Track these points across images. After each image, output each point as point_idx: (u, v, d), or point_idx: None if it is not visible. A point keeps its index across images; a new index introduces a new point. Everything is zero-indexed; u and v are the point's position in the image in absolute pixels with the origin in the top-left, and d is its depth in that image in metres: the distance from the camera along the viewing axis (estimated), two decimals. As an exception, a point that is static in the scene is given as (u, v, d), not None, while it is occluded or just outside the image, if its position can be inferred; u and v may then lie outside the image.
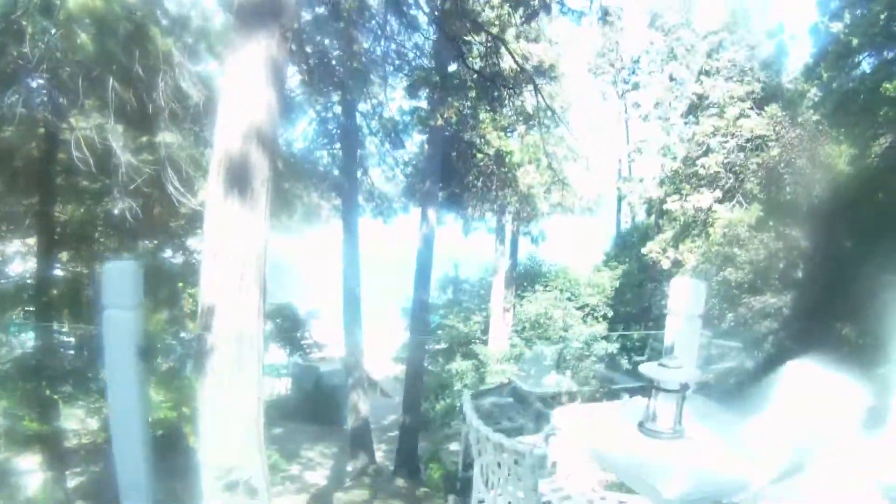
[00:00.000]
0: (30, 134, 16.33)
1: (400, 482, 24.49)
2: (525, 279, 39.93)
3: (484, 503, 5.67)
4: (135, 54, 12.93)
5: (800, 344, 23.10)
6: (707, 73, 33.34)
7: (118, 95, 13.24)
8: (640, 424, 6.12)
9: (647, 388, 6.12)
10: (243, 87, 8.68)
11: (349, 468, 25.60)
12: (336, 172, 27.10)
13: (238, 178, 8.41)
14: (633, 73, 43.02)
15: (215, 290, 8.51)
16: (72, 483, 19.97)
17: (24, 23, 11.95)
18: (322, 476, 25.96)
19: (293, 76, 23.38)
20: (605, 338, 35.87)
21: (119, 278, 6.05)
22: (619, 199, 45.90)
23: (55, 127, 15.25)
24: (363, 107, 25.93)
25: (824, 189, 24.27)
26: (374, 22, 21.96)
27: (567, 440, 9.57)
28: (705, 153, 29.44)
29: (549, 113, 25.66)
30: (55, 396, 17.82)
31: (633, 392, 34.04)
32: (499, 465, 5.45)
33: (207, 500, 8.46)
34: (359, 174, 27.40)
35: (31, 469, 17.68)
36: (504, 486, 5.21)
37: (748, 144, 28.27)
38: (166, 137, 14.47)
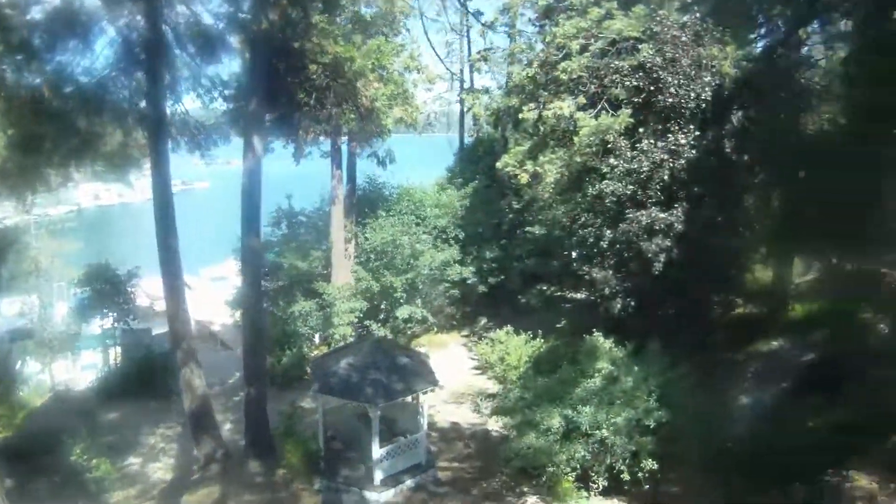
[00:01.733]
0: None
1: (254, 466, 20.87)
2: (366, 205, 36.97)
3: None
4: None
5: (696, 260, 21.14)
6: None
7: None
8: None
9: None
10: None
11: (195, 452, 21.79)
12: (141, 103, 22.03)
13: None
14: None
15: None
16: None
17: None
18: (166, 468, 22.43)
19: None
20: (459, 261, 33.64)
21: None
22: (462, 113, 42.51)
23: None
24: (170, 16, 21.05)
25: (711, 92, 22.16)
26: None
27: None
28: (565, 57, 26.23)
29: (389, 20, 21.93)
30: None
31: (490, 317, 32.04)
32: None
33: None
34: (169, 102, 22.64)
35: None
36: None
37: (612, 48, 25.43)
38: None
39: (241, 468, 20.85)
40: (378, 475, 19.49)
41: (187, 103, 24.47)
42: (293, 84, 24.61)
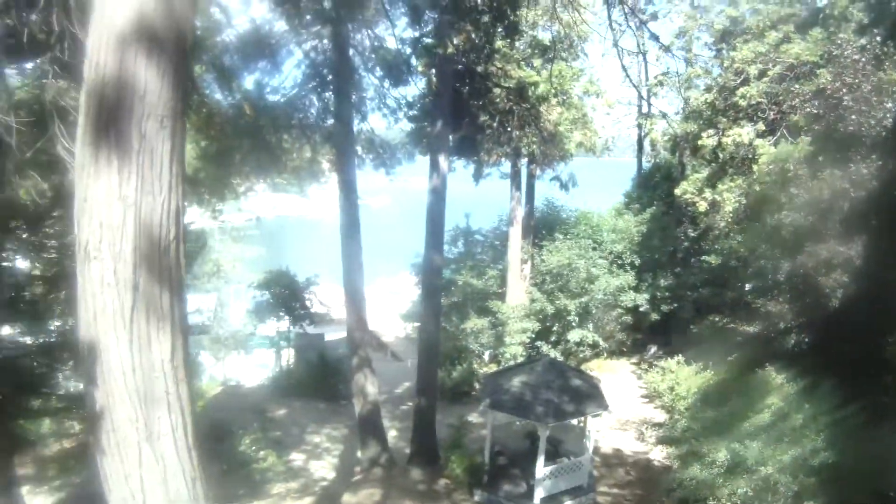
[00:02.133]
0: None
1: (416, 473, 21.55)
2: (543, 227, 37.06)
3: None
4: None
5: (877, 303, 20.08)
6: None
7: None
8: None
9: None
10: None
11: (359, 454, 22.58)
12: (330, 120, 23.32)
13: (109, 118, 4.75)
14: (650, 1, 38.95)
15: (95, 318, 5.00)
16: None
17: None
18: (329, 466, 23.09)
19: (275, 12, 20.43)
20: (634, 288, 33.35)
21: None
22: (640, 137, 42.20)
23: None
24: (358, 40, 22.29)
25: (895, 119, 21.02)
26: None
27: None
28: (744, 82, 25.90)
29: (568, 44, 22.27)
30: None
31: (661, 345, 31.65)
32: None
33: None
34: (356, 121, 23.70)
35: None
36: None
37: (789, 73, 24.87)
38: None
39: (403, 474, 21.42)
40: (539, 493, 19.41)
41: (373, 122, 25.73)
42: (476, 107, 25.44)
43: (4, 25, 9.26)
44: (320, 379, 29.76)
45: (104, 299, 4.76)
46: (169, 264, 4.98)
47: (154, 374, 4.95)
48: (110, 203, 4.68)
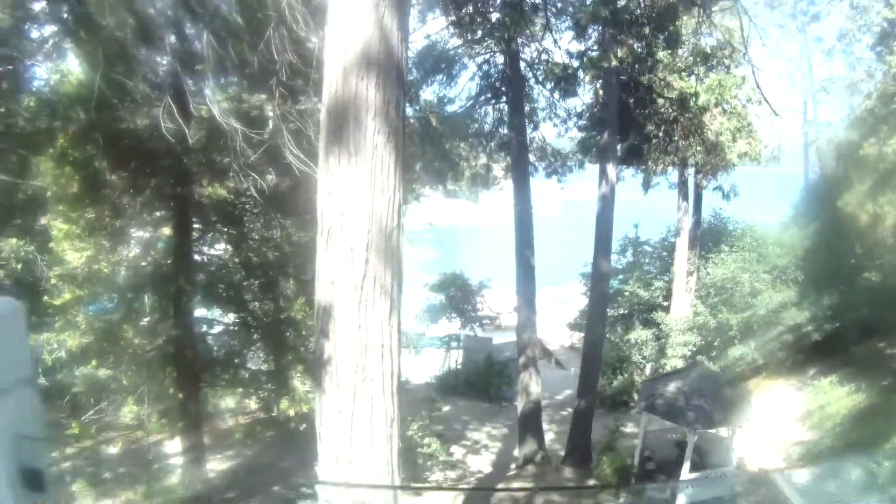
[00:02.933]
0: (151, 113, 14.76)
1: (568, 472, 22.65)
2: (710, 238, 37.17)
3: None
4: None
5: None
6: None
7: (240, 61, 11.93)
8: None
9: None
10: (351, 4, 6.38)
11: (516, 453, 23.89)
12: (503, 129, 24.84)
13: (348, 132, 6.38)
14: (812, 2, 38.55)
15: (332, 283, 6.55)
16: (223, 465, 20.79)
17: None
18: (487, 461, 24.43)
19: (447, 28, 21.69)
20: (796, 305, 32.65)
21: None
22: (806, 146, 41.79)
23: (184, 104, 13.56)
24: (527, 54, 23.80)
25: None
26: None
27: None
28: (906, 89, 25.72)
29: (729, 51, 22.91)
30: (201, 384, 17.72)
31: (821, 370, 31.10)
32: None
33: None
34: (528, 130, 25.22)
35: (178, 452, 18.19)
36: None
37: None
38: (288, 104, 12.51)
39: (556, 472, 22.55)
40: (682, 499, 19.85)
41: (544, 131, 27.01)
42: (642, 116, 26.31)
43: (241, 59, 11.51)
44: (485, 380, 31.30)
45: (342, 270, 6.30)
46: (392, 246, 6.47)
47: (374, 330, 6.39)
48: (350, 196, 6.23)
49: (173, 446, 19.47)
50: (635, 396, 29.25)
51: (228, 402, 23.05)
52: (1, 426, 3.08)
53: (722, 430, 21.20)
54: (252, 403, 23.70)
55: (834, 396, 26.96)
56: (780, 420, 28.39)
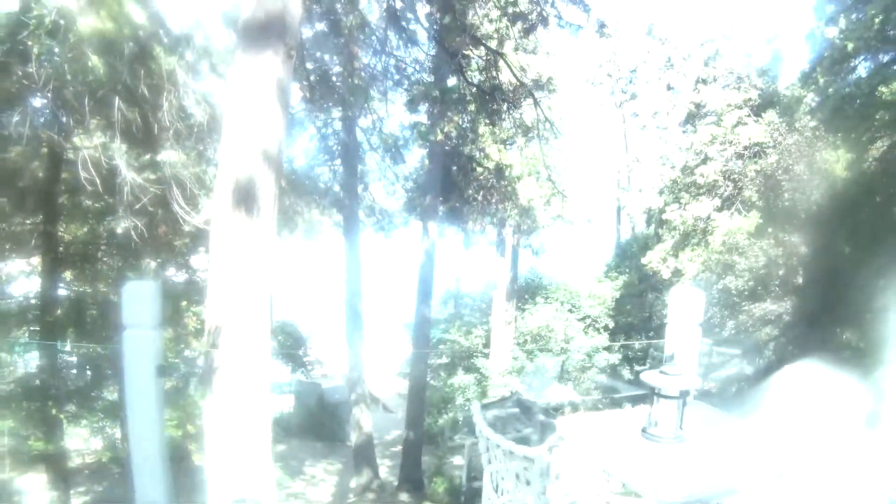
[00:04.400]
0: (34, 154, 16.45)
1: (404, 497, 24.83)
2: (526, 292, 40.42)
3: (493, 509, 5.83)
4: (140, 74, 13.06)
5: (801, 349, 23.41)
6: (704, 82, 34.02)
7: (123, 115, 13.33)
8: (643, 430, 6.34)
9: (649, 396, 6.32)
10: (249, 107, 8.74)
11: (352, 484, 25.84)
12: (337, 188, 27.50)
13: (246, 197, 8.47)
14: (631, 82, 43.16)
15: (223, 307, 8.49)
16: (76, 502, 20.49)
17: (31, 43, 12.03)
18: (326, 493, 26.15)
19: (294, 93, 23.77)
20: (607, 348, 36.66)
21: (139, 298, 6.18)
22: (619, 210, 46.35)
23: (60, 146, 15.31)
24: (363, 122, 26.14)
25: (823, 195, 24.50)
26: (374, 38, 22.17)
27: (572, 449, 9.73)
28: (703, 162, 29.89)
29: (547, 125, 25.96)
30: (60, 416, 17.92)
31: (634, 401, 34.64)
32: (508, 472, 5.61)
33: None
34: (359, 189, 27.73)
35: (34, 489, 17.84)
36: (514, 492, 5.42)
37: (746, 152, 28.66)
38: (171, 156, 14.59)
39: (392, 497, 24.59)
40: None
41: (374, 190, 29.62)
42: (464, 182, 29.30)
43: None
44: (318, 421, 33.46)
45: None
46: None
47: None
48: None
49: (26, 481, 18.74)
50: (458, 436, 31.10)
51: (83, 434, 22.86)
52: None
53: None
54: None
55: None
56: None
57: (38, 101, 14.67)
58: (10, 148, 15.62)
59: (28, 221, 17.82)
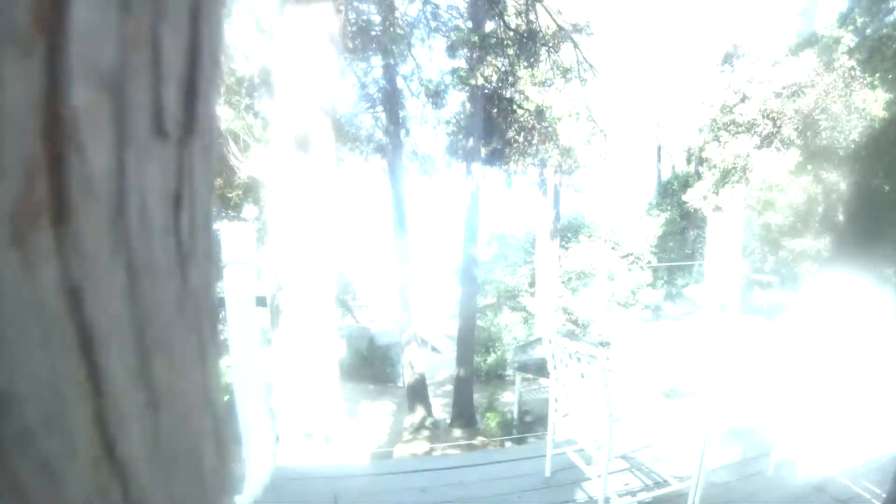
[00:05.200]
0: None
1: (457, 432, 25.39)
2: (569, 230, 40.74)
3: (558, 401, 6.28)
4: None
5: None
6: (742, 21, 33.77)
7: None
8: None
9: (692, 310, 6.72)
10: (304, 58, 9.26)
11: (407, 423, 26.50)
12: (380, 134, 28.07)
13: (305, 142, 9.01)
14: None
15: (290, 249, 9.07)
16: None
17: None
18: (382, 432, 26.95)
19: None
20: (650, 285, 37.05)
21: (237, 236, 6.68)
22: (659, 149, 46.20)
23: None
24: (404, 69, 26.86)
25: (861, 134, 24.58)
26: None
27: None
28: (742, 101, 29.75)
29: (586, 65, 26.07)
30: None
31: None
32: (573, 374, 6.04)
33: (285, 449, 8.81)
34: (402, 135, 28.21)
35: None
36: (578, 390, 5.85)
37: (784, 91, 28.49)
38: (223, 112, 15.17)
39: (446, 433, 25.21)
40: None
41: (417, 135, 30.09)
42: (504, 124, 29.57)
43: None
44: (369, 364, 34.15)
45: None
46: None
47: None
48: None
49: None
50: (509, 371, 32.33)
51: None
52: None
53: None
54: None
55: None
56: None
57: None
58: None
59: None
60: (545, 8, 22.71)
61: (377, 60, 25.90)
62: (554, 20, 23.82)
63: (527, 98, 27.51)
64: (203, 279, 0.72)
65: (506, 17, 24.11)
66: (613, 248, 38.15)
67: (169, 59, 0.63)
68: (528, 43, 24.05)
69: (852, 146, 24.66)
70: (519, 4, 23.89)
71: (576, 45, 22.50)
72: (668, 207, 40.95)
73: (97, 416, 0.56)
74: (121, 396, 0.59)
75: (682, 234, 39.21)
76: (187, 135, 0.67)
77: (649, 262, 38.61)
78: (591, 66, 26.10)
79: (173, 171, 0.65)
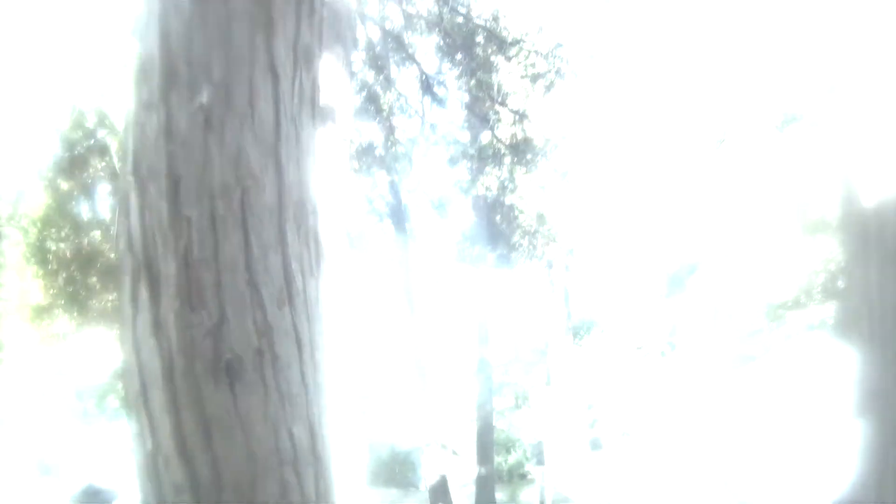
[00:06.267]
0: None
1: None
2: (581, 328, 40.45)
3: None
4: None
5: None
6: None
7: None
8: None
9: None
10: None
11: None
12: (389, 246, 29.33)
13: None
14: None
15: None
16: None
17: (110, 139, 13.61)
18: None
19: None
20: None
21: None
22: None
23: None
24: (408, 182, 28.27)
25: None
26: (411, 108, 23.68)
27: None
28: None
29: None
30: None
31: None
32: None
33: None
34: (409, 244, 29.32)
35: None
36: None
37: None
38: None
39: None
40: None
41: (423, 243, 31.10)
42: (508, 229, 30.53)
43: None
44: (389, 468, 34.39)
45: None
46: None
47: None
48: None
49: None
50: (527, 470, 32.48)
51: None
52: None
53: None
54: None
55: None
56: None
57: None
58: (90, 232, 17.62)
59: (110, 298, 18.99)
60: (528, 124, 23.64)
61: (382, 176, 27.06)
62: (539, 135, 24.77)
63: (527, 204, 28.36)
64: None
65: (496, 132, 25.10)
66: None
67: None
68: (521, 153, 24.90)
69: None
70: (509, 118, 24.86)
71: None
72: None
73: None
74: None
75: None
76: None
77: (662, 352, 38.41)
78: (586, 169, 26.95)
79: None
